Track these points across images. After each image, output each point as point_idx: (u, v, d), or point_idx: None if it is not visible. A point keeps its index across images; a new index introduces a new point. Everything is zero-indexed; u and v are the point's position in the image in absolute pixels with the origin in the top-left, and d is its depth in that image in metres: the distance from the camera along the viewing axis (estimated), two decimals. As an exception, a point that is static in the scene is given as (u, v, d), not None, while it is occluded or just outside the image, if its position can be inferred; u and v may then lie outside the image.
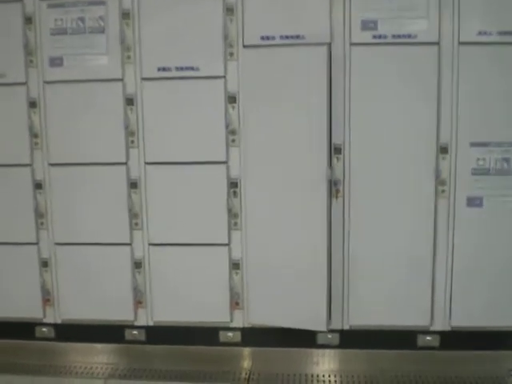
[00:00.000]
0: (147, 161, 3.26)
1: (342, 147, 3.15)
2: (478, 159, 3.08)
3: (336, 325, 3.29)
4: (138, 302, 3.38)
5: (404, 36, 3.03)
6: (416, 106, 3.08)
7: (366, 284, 3.22)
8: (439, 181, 3.12)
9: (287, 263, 3.18)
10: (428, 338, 3.27)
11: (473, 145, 3.07)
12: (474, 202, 3.11)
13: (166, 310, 3.37)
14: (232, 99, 3.18)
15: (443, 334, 3.26)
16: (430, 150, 3.09)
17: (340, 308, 3.27)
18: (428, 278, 3.18)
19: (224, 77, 3.16)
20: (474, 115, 3.06)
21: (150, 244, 3.32)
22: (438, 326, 3.24)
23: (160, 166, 3.26)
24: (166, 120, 3.22)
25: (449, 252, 3.17)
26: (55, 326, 3.48)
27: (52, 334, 3.49)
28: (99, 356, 3.45)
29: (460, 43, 3.03)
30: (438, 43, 3.02)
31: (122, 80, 3.21)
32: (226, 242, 3.28)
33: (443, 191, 3.13)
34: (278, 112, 3.11)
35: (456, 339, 3.24)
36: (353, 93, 3.11)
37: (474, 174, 3.09)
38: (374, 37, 3.06)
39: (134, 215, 3.30)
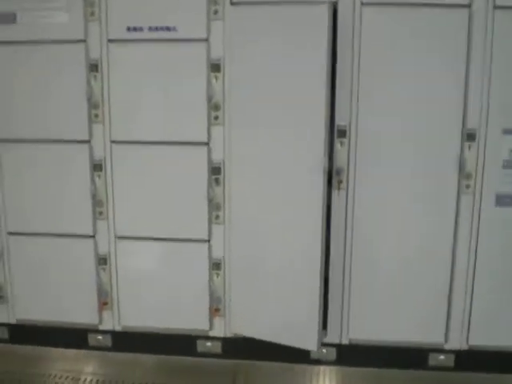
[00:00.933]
0: (113, 139, 2.74)
1: (348, 129, 2.62)
2: (512, 149, 2.57)
3: (333, 338, 2.80)
4: (103, 303, 2.89)
5: (428, -4, 2.48)
6: (439, 82, 2.54)
7: (370, 292, 2.72)
8: (463, 174, 2.59)
9: (276, 265, 2.70)
10: (441, 356, 2.79)
11: (506, 132, 2.55)
12: (504, 200, 2.60)
13: (136, 314, 2.88)
14: (216, 67, 2.64)
15: (459, 354, 2.78)
16: (453, 137, 2.56)
17: (338, 319, 2.78)
18: (445, 288, 2.68)
19: (206, 39, 2.62)
20: (510, 96, 2.52)
21: (116, 237, 2.82)
22: (454, 343, 2.75)
23: (129, 145, 2.73)
24: (136, 90, 2.69)
25: (471, 259, 2.66)
26: (9, 326, 3.01)
27: (6, 335, 3.04)
28: (57, 363, 2.98)
29: (496, 7, 2.48)
30: (468, 6, 2.47)
31: (84, 41, 2.67)
32: (206, 237, 2.77)
33: (468, 186, 2.60)
34: (270, 84, 2.57)
35: (473, 359, 2.77)
36: (362, 64, 2.56)
37: (505, 167, 2.58)
38: (392, -5, 2.51)
39: (97, 203, 2.80)
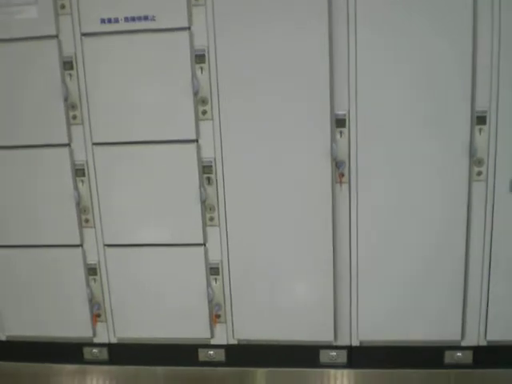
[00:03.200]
0: (95, 141, 2.54)
1: (347, 118, 2.42)
2: (527, 130, 2.35)
3: (342, 340, 2.64)
4: (96, 315, 2.73)
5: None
6: (443, 60, 2.31)
7: (380, 290, 2.55)
8: (475, 160, 2.39)
9: (279, 265, 2.55)
10: (458, 354, 2.61)
11: (520, 111, 2.34)
12: (519, 185, 2.41)
13: (131, 325, 2.71)
14: (200, 58, 2.42)
15: (477, 350, 2.60)
16: (462, 120, 2.34)
17: (347, 319, 2.61)
18: (459, 282, 2.50)
19: (188, 28, 2.39)
20: (522, 70, 2.31)
21: (105, 245, 2.64)
22: (471, 340, 2.58)
23: (112, 146, 2.53)
24: (115, 88, 2.46)
25: (486, 249, 2.47)
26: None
27: (-4, 353, 2.88)
28: (54, 378, 2.82)
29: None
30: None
31: (56, 37, 2.45)
32: (201, 241, 2.58)
33: (480, 173, 2.41)
34: (263, 73, 2.37)
35: (493, 355, 2.59)
36: (360, 41, 2.34)
37: (520, 149, 2.38)
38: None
39: (82, 210, 2.62)
